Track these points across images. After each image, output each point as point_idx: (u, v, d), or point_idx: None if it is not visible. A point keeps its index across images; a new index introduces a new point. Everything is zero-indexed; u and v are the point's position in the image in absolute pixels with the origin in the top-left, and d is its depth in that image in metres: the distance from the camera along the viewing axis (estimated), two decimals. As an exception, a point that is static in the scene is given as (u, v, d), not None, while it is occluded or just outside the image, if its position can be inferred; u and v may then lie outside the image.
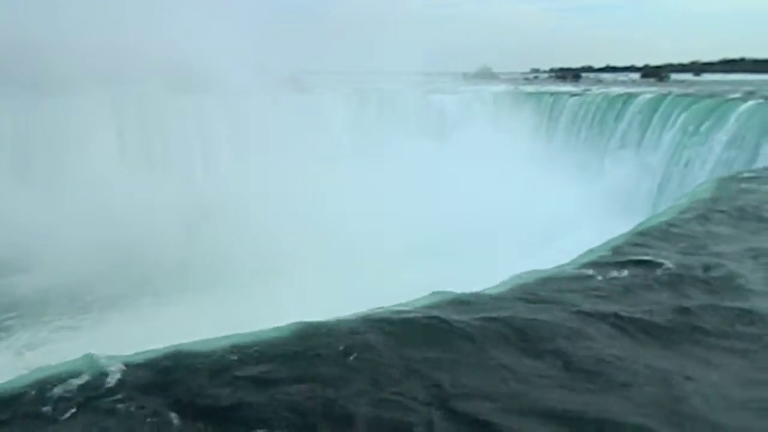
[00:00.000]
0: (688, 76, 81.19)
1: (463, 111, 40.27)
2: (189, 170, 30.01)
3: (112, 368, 5.00)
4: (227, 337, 5.69)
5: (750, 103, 24.17)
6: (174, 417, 4.63)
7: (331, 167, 29.84)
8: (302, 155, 29.63)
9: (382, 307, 6.52)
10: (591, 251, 8.81)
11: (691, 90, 33.12)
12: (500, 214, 26.01)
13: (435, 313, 6.41)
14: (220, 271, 21.31)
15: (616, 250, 8.69)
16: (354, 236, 23.38)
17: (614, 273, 7.73)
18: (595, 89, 41.05)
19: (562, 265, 7.98)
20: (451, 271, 19.88)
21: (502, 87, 48.74)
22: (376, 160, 31.68)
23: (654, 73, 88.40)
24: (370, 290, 16.47)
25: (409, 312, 6.43)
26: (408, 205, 26.08)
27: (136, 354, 5.30)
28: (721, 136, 23.64)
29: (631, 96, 32.43)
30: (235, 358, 5.36)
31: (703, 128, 25.08)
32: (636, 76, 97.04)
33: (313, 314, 6.22)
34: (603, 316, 6.48)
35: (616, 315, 6.52)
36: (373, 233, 23.57)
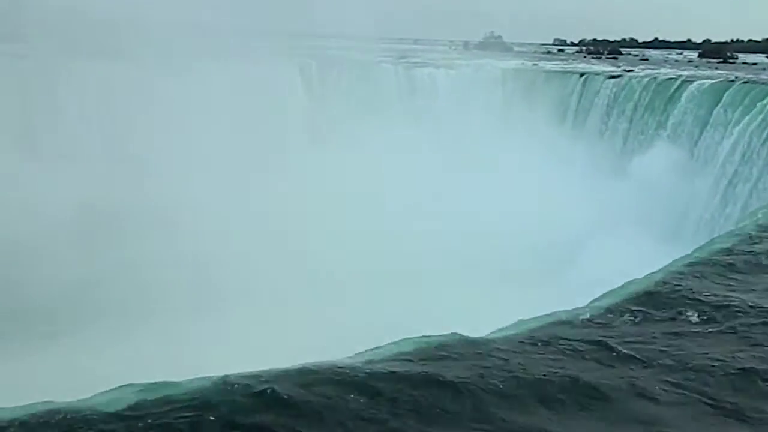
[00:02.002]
0: (761, 58, 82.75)
1: (462, 92, 41.12)
2: (89, 157, 29.75)
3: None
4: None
5: None
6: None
7: (283, 161, 30.96)
8: (247, 143, 30.37)
9: (350, 356, 6.86)
10: (624, 287, 9.22)
11: (766, 76, 34.51)
12: (504, 233, 27.01)
13: (418, 364, 6.65)
14: (126, 299, 21.64)
15: (659, 286, 9.09)
16: (311, 257, 24.32)
17: (651, 321, 8.08)
18: (639, 70, 42.59)
19: (580, 309, 8.31)
20: (437, 307, 21.09)
21: (515, 62, 49.91)
22: (340, 155, 32.49)
23: (716, 51, 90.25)
24: (334, 330, 17.74)
25: (385, 362, 6.65)
26: (382, 218, 27.02)
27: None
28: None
29: (685, 81, 33.64)
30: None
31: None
32: (692, 54, 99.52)
33: (252, 361, 6.48)
34: (634, 380, 6.75)
35: (654, 378, 6.80)
36: (336, 254, 24.45)
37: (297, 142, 35.06)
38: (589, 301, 8.82)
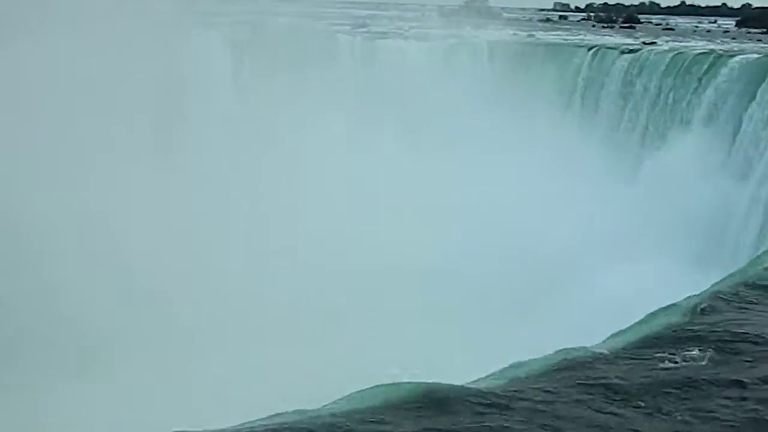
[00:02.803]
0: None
1: (436, 71, 41.60)
2: None
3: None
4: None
5: None
6: None
7: (196, 160, 32.06)
8: (150, 131, 31.59)
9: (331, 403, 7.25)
10: (646, 321, 9.62)
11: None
12: (484, 254, 27.94)
13: (411, 415, 6.93)
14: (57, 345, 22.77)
15: (691, 317, 9.39)
16: (235, 291, 25.36)
17: (678, 363, 8.29)
18: (662, 43, 43.09)
19: (586, 348, 8.57)
20: (402, 346, 22.37)
21: (504, 33, 50.52)
22: (278, 152, 33.32)
23: (759, 18, 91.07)
24: (264, 380, 18.89)
25: (371, 412, 6.96)
26: (330, 233, 28.11)
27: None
28: None
29: (720, 57, 33.82)
30: None
31: None
32: (729, 22, 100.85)
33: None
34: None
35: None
36: (272, 284, 25.51)
37: (222, 136, 36.16)
38: (605, 338, 9.15)
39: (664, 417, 7.38)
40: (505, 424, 6.94)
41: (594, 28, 70.57)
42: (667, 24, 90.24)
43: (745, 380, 8.08)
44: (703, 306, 9.80)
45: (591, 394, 7.70)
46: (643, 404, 7.57)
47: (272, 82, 37.99)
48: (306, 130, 35.02)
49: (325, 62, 41.07)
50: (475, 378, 8.13)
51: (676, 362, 8.39)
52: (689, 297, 10.39)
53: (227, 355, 23.03)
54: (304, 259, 27.47)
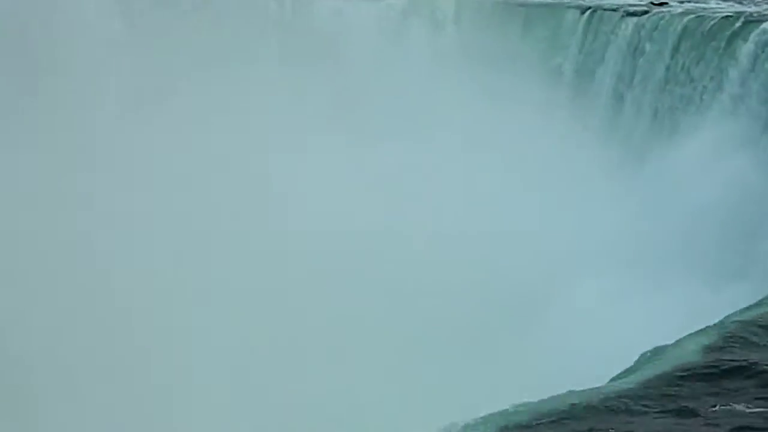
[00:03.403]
0: None
1: (388, 37, 42.28)
2: None
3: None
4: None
5: None
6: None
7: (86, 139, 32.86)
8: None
9: None
10: (660, 357, 10.47)
11: None
12: (450, 272, 28.74)
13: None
14: None
15: (713, 353, 10.04)
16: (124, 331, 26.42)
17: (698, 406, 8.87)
18: (675, 2, 40.52)
19: (592, 390, 9.36)
20: (342, 384, 23.66)
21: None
22: (177, 131, 34.51)
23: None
24: None
25: None
26: (257, 241, 29.56)
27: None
28: None
29: (751, 21, 33.10)
30: None
31: None
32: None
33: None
34: None
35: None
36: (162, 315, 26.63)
37: (105, 111, 37.46)
38: (610, 379, 10.09)
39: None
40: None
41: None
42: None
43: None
44: (723, 340, 10.81)
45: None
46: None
47: (176, 46, 39.38)
48: (218, 115, 36.53)
49: (239, 19, 42.31)
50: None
51: (681, 405, 9.21)
52: (704, 330, 11.37)
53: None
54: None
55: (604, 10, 39.45)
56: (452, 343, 26.12)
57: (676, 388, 9.62)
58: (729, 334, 11.65)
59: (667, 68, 35.19)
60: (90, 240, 29.82)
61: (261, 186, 32.45)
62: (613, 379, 10.46)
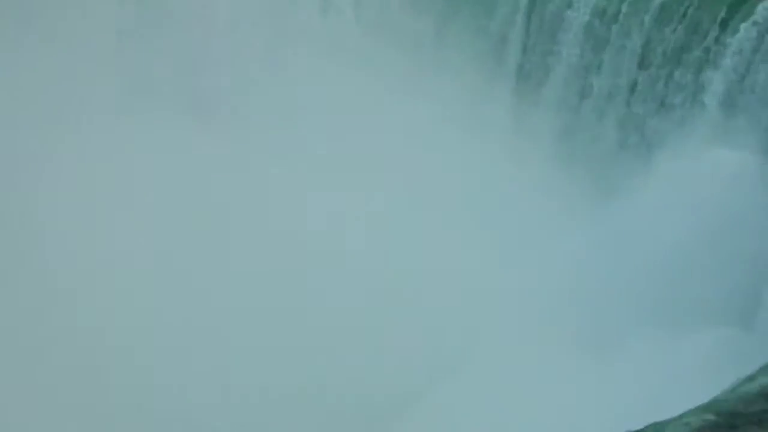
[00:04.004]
0: None
1: (267, 26, 39.74)
2: None
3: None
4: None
5: None
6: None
7: None
8: None
9: None
10: None
11: None
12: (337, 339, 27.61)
13: None
14: None
15: None
16: None
17: None
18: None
19: None
20: None
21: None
22: None
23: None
24: None
25: None
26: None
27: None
28: None
29: None
30: None
31: None
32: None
33: None
34: None
35: None
36: None
37: None
38: None
39: None
40: None
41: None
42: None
43: None
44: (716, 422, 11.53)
45: None
46: None
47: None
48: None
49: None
50: None
51: None
52: (693, 411, 12.12)
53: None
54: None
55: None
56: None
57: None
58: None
59: (640, 59, 31.46)
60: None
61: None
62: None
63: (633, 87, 31.37)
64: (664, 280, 26.25)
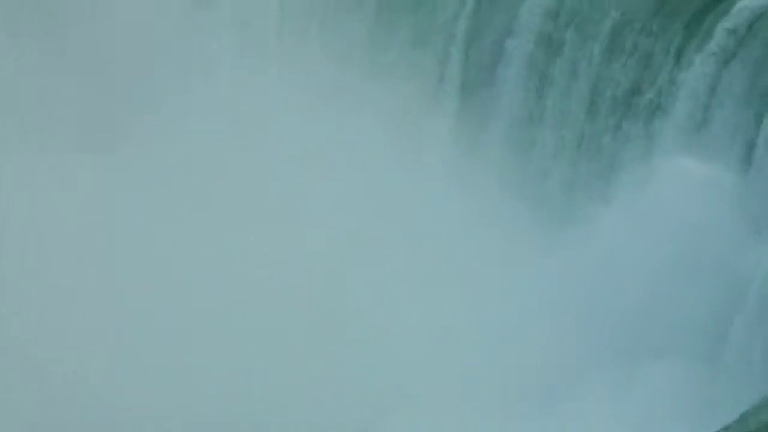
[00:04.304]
0: None
1: (169, 39, 38.76)
2: None
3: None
4: None
5: None
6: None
7: None
8: None
9: None
10: None
11: None
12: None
13: None
14: None
15: None
16: None
17: None
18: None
19: None
20: None
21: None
22: None
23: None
24: None
25: None
26: None
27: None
28: None
29: None
30: None
31: None
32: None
33: None
34: None
35: None
36: None
37: None
38: None
39: None
40: None
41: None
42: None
43: None
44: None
45: None
46: None
47: None
48: None
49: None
50: None
51: None
52: None
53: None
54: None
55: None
56: None
57: None
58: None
59: (597, 75, 30.10)
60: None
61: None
62: None
63: (591, 99, 29.74)
64: (620, 313, 25.49)
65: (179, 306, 29.38)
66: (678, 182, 26.68)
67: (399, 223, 30.93)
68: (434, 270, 29.46)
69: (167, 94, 37.03)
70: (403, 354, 27.28)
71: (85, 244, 31.73)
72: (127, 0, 40.47)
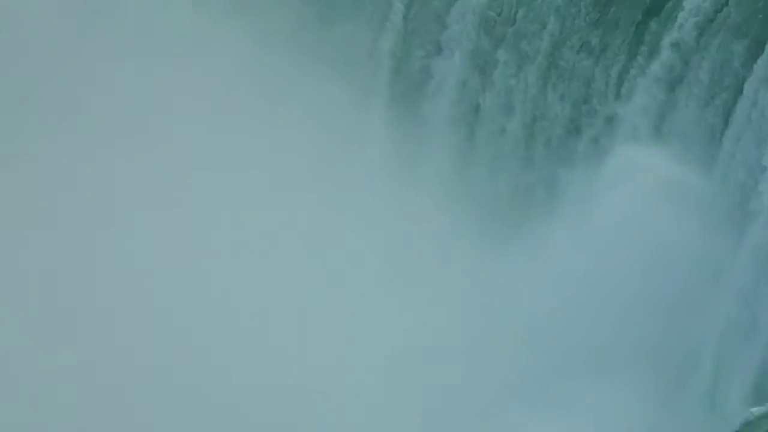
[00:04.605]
0: None
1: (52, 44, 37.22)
2: None
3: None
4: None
5: None
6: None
7: None
8: None
9: None
10: None
11: None
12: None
13: None
14: None
15: None
16: None
17: None
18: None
19: None
20: None
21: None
22: None
23: None
24: None
25: None
26: None
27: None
28: None
29: None
30: None
31: None
32: None
33: None
34: None
35: None
36: None
37: None
38: None
39: None
40: None
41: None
42: None
43: None
44: None
45: None
46: None
47: None
48: None
49: None
50: None
51: None
52: None
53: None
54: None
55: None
56: None
57: None
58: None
59: (547, 67, 29.32)
60: None
61: None
62: None
63: (540, 94, 28.97)
64: (564, 328, 25.21)
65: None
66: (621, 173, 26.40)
67: (331, 229, 30.14)
68: (366, 275, 29.01)
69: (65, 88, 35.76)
70: (322, 361, 26.82)
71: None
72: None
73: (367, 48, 33.72)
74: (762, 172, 23.97)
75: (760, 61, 24.21)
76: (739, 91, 24.96)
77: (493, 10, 30.61)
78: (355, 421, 25.32)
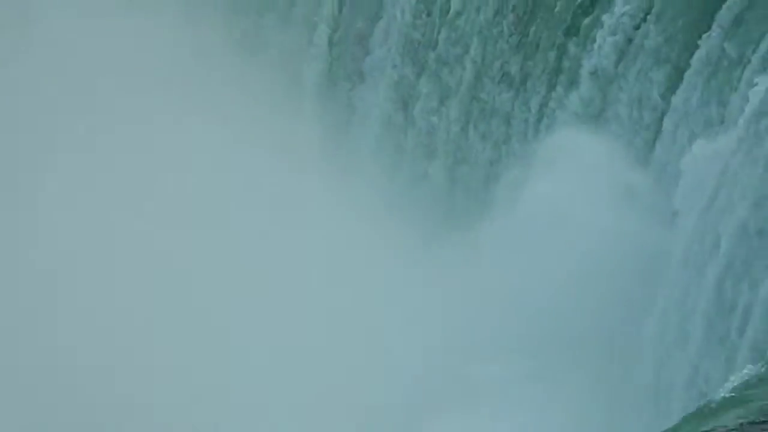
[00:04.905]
0: None
1: None
2: None
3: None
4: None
5: None
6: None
7: None
8: None
9: None
10: None
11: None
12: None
13: None
14: None
15: None
16: None
17: None
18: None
19: None
20: None
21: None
22: None
23: None
24: None
25: None
26: None
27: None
28: None
29: None
30: None
31: None
32: None
33: None
34: None
35: None
36: None
37: None
38: None
39: None
40: None
41: None
42: None
43: None
44: None
45: None
46: None
47: None
48: None
49: None
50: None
51: None
52: None
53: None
54: None
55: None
56: None
57: None
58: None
59: (481, 52, 29.06)
60: None
61: None
62: None
63: (476, 80, 28.84)
64: (501, 323, 25.08)
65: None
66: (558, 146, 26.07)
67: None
68: (306, 273, 29.04)
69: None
70: (264, 362, 27.01)
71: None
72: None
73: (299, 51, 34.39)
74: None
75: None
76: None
77: (417, 30, 30.70)
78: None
